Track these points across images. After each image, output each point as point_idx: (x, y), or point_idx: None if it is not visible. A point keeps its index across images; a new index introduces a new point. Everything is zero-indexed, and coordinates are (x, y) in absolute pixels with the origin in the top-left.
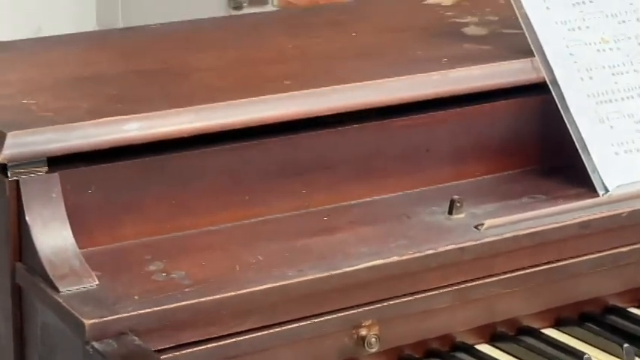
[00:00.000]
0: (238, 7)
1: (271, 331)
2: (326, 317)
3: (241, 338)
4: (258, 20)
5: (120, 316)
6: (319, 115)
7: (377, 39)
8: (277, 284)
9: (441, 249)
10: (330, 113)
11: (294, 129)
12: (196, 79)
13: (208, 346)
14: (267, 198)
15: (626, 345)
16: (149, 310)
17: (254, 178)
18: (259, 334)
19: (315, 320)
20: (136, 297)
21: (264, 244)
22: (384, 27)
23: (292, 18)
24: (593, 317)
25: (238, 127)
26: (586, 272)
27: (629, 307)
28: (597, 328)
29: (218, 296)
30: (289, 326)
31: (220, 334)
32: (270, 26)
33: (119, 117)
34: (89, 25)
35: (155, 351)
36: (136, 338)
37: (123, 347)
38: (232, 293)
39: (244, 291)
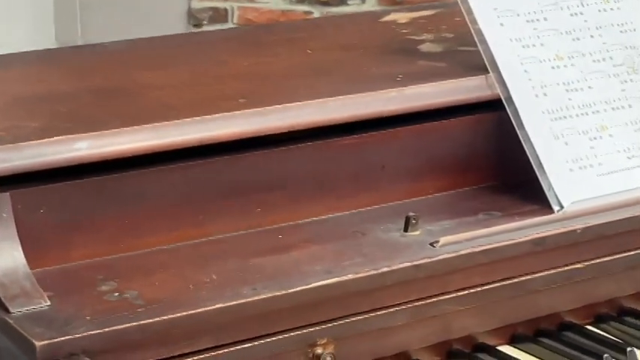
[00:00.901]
0: (198, 25)
1: (224, 350)
2: (280, 336)
3: (194, 359)
4: (215, 38)
5: (71, 337)
6: (273, 133)
7: (332, 56)
8: (231, 303)
9: (396, 266)
10: (284, 131)
11: (248, 147)
12: (150, 97)
13: None
14: (221, 217)
15: None
16: (101, 330)
17: (207, 197)
18: (212, 354)
19: (270, 339)
20: (88, 317)
21: (218, 263)
22: (339, 44)
23: (249, 35)
24: (549, 334)
25: (191, 145)
26: (541, 289)
27: (584, 323)
28: (553, 345)
29: (171, 316)
30: (243, 346)
31: (172, 355)
32: (227, 44)
33: (69, 136)
34: (48, 41)
35: None
36: (87, 359)
37: None
38: (185, 313)
39: (197, 310)
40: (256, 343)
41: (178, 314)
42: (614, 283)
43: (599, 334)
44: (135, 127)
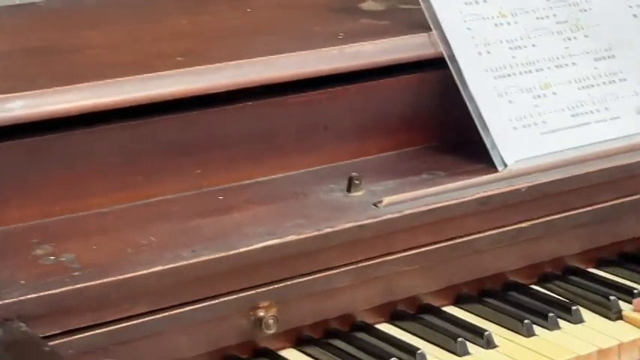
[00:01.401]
0: None
1: (164, 314)
2: (221, 299)
3: (133, 322)
4: None
5: (5, 301)
6: (213, 92)
7: (272, 15)
8: (170, 266)
9: (340, 227)
10: (224, 90)
11: (187, 107)
12: (87, 56)
13: (99, 331)
14: (160, 178)
15: (526, 321)
16: (36, 295)
17: (146, 158)
18: (152, 317)
19: (210, 303)
20: (23, 281)
21: (157, 226)
22: (278, 3)
23: None
24: (494, 294)
25: (129, 105)
26: (486, 248)
27: (529, 282)
28: (498, 305)
29: (108, 280)
30: (183, 309)
31: (112, 319)
32: (165, 2)
33: (3, 95)
34: None
35: (43, 337)
36: (22, 324)
37: (8, 334)
38: (123, 276)
39: (136, 274)
40: (197, 306)
41: (116, 278)
42: (558, 242)
43: (544, 294)
44: (71, 86)
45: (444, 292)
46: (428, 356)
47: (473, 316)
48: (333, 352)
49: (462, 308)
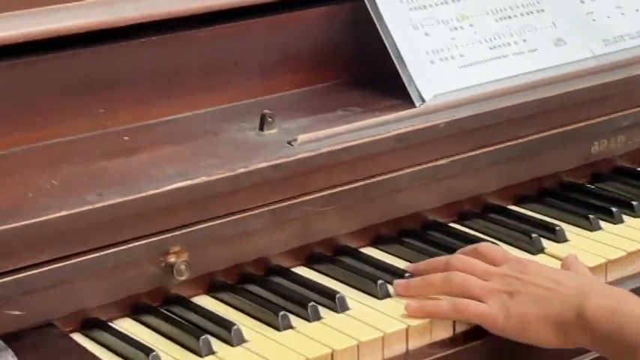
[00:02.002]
0: None
1: (70, 262)
2: (130, 245)
3: (37, 271)
4: None
5: None
6: (116, 25)
7: None
8: (75, 211)
9: (253, 167)
10: (127, 24)
11: (88, 41)
12: None
13: (1, 281)
14: (62, 118)
15: None
16: None
17: (46, 97)
18: (57, 265)
19: (119, 248)
20: None
21: (60, 169)
22: None
23: None
24: (413, 233)
25: (25, 40)
26: (404, 187)
27: (448, 221)
28: (417, 245)
29: (9, 226)
30: (90, 256)
31: (14, 268)
32: None
33: None
34: None
35: None
36: None
37: None
38: (25, 222)
39: (38, 219)
40: (104, 252)
41: (18, 224)
42: (478, 179)
43: (464, 232)
44: None
45: (362, 233)
46: (347, 299)
47: (392, 257)
48: (248, 298)
49: (380, 249)
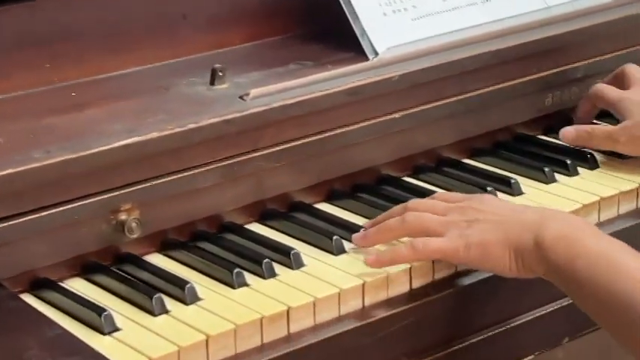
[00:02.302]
0: None
1: (18, 221)
2: (79, 203)
3: None
4: None
5: None
6: None
7: None
8: (21, 169)
9: (204, 122)
10: None
11: None
12: None
13: None
14: (5, 73)
15: None
16: None
17: None
18: (4, 224)
19: (67, 207)
20: None
21: (4, 125)
22: None
23: None
24: (367, 188)
25: None
26: (358, 141)
27: (403, 175)
28: (371, 199)
29: None
30: (37, 215)
31: None
32: None
33: None
34: None
35: None
36: None
37: None
38: None
39: None
40: (52, 211)
41: None
42: (431, 132)
43: (418, 186)
44: None
45: (316, 188)
46: (302, 255)
47: (346, 212)
48: (202, 256)
49: (334, 205)
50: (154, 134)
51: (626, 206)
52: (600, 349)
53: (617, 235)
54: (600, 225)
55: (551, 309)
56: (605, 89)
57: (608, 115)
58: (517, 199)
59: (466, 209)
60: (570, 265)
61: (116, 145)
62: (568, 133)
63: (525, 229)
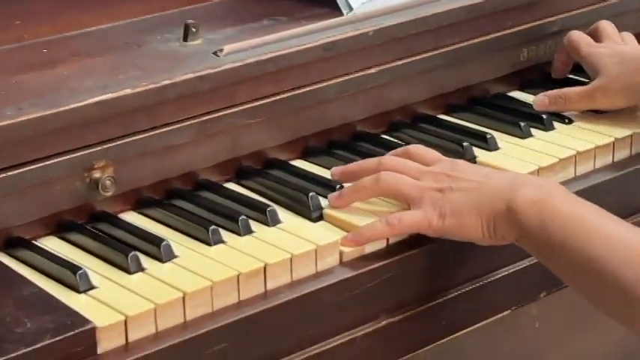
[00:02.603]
0: None
1: None
2: (53, 160)
3: None
4: None
5: None
6: None
7: None
8: None
9: (178, 78)
10: None
11: None
12: None
13: None
14: None
15: None
16: None
17: None
18: None
19: (41, 165)
20: None
21: None
22: None
23: None
24: (343, 144)
25: None
26: (333, 97)
27: (378, 132)
28: (347, 156)
29: None
30: (11, 172)
31: None
32: None
33: None
34: None
35: None
36: None
37: None
38: None
39: None
40: (26, 169)
41: None
42: (407, 88)
43: (394, 142)
44: None
45: (291, 145)
46: (279, 211)
47: (322, 168)
48: (177, 213)
49: (310, 161)
50: (127, 91)
51: (602, 160)
52: (574, 306)
53: (593, 189)
54: (576, 179)
55: (528, 264)
56: (579, 40)
57: (582, 69)
58: (493, 155)
59: (439, 176)
60: (543, 230)
61: (89, 101)
62: (541, 102)
63: (497, 197)
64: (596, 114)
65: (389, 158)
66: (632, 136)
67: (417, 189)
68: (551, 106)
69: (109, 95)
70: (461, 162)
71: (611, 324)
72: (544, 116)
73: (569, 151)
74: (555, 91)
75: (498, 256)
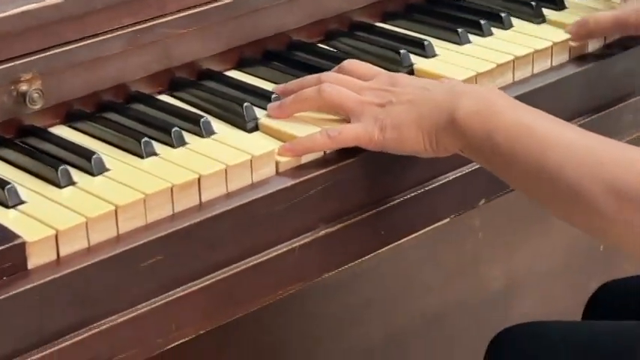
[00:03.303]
0: None
1: None
2: None
3: None
4: None
5: None
6: None
7: None
8: None
9: None
10: None
11: None
12: None
13: None
14: None
15: None
16: None
17: None
18: None
19: None
20: None
21: None
22: None
23: None
24: (278, 54)
25: None
26: (266, 5)
27: (314, 41)
28: (282, 66)
29: None
30: None
31: None
32: None
33: None
34: None
35: None
36: None
37: None
38: None
39: None
40: None
41: None
42: None
43: (330, 51)
44: None
45: (225, 55)
46: (213, 122)
47: (257, 79)
48: (108, 126)
49: (245, 72)
50: (53, 0)
51: (541, 65)
52: (516, 216)
53: (531, 94)
54: (515, 84)
55: (467, 171)
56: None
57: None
58: (431, 61)
59: (379, 91)
60: (489, 140)
61: (13, 12)
62: (574, 31)
63: (437, 109)
64: (534, 24)
65: (329, 74)
66: (569, 40)
67: (359, 102)
68: (582, 34)
69: (34, 5)
70: (399, 75)
71: (553, 236)
72: (482, 22)
73: (507, 56)
74: (585, 18)
75: (436, 164)
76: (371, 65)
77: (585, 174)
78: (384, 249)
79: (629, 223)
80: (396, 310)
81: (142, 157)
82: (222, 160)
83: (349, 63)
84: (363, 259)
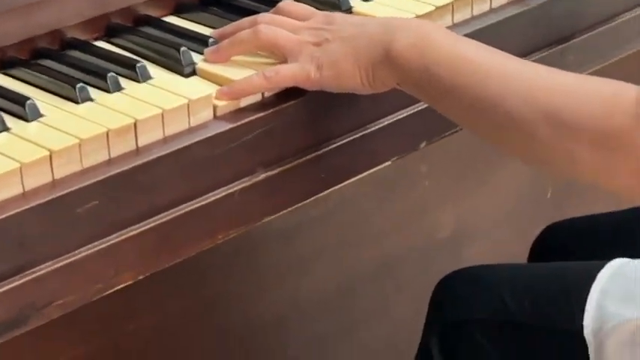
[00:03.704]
0: None
1: None
2: None
3: None
4: None
5: None
6: None
7: None
8: None
9: None
10: None
11: None
12: None
13: None
14: None
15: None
16: None
17: None
18: None
19: None
20: None
21: None
22: None
23: None
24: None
25: None
26: None
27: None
28: (220, 11)
29: None
30: None
31: None
32: None
33: None
34: None
35: None
36: None
37: None
38: None
39: None
40: None
41: None
42: None
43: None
44: None
45: (163, 1)
46: (150, 68)
47: (195, 24)
48: (43, 72)
49: (182, 17)
50: None
51: (480, 7)
52: (463, 161)
53: (471, 36)
54: (454, 27)
55: (407, 114)
56: None
57: None
58: (370, 4)
59: (316, 31)
60: (427, 73)
61: None
62: None
63: (373, 44)
64: None
65: (265, 15)
66: None
67: (295, 42)
68: None
69: None
70: (336, 14)
71: (501, 182)
72: None
73: None
74: None
75: (376, 107)
76: (307, 6)
77: (525, 102)
78: (325, 192)
79: (569, 150)
80: (346, 258)
81: (77, 102)
82: (158, 105)
83: (285, 4)
84: (305, 202)
